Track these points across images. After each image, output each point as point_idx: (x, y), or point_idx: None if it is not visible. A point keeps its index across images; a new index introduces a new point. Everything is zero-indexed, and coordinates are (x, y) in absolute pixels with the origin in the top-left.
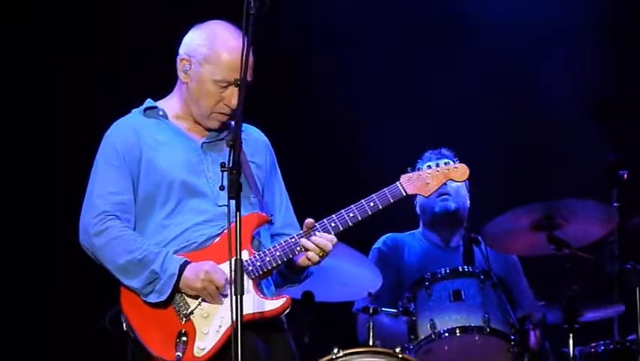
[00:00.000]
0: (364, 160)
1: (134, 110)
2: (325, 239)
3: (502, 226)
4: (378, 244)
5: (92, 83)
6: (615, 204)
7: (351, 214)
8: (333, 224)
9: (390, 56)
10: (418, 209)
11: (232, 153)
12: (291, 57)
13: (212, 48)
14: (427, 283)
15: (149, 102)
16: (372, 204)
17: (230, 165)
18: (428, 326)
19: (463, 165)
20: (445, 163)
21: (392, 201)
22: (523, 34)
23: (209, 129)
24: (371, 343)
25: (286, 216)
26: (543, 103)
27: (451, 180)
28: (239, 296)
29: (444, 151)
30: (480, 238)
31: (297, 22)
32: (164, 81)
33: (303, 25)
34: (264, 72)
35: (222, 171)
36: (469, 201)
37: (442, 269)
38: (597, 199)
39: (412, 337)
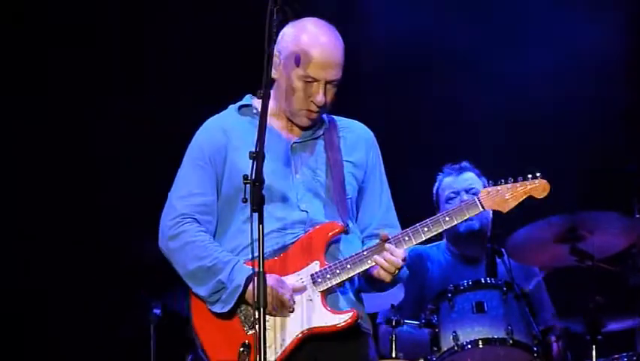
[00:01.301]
0: None
1: (230, 106)
2: (395, 256)
3: (524, 238)
4: None
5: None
6: (638, 216)
7: (426, 228)
8: (407, 238)
9: None
10: None
11: (254, 165)
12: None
13: (299, 44)
14: (449, 295)
15: (246, 99)
16: (447, 218)
17: (253, 177)
18: (451, 337)
19: (544, 180)
20: (525, 178)
21: (468, 216)
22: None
23: (300, 127)
24: (394, 355)
25: (384, 218)
26: (565, 115)
27: (531, 196)
28: (261, 310)
29: (464, 164)
30: (503, 250)
31: None
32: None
33: None
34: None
35: (245, 184)
36: (491, 214)
37: (465, 281)
38: (619, 211)
39: (435, 349)
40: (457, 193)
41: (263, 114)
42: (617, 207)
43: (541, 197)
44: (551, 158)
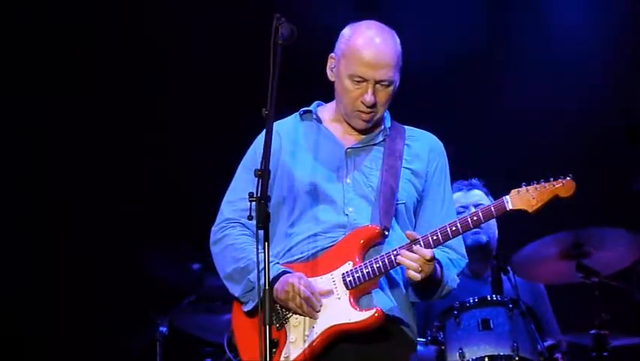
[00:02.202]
0: None
1: (296, 113)
2: (420, 254)
3: (530, 254)
4: None
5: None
6: None
7: (454, 228)
8: (434, 237)
9: None
10: None
11: (260, 183)
12: None
13: (349, 43)
14: (455, 312)
15: (312, 106)
16: (475, 218)
17: (259, 194)
18: (457, 355)
19: (570, 180)
20: (548, 180)
21: (495, 216)
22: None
23: (358, 130)
24: None
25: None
26: (571, 130)
27: (557, 195)
28: (266, 327)
29: (474, 181)
30: (508, 267)
31: None
32: None
33: None
34: None
35: (250, 201)
36: (497, 231)
37: (471, 298)
38: (625, 227)
39: None
40: (466, 208)
41: (268, 132)
42: (623, 224)
43: (568, 195)
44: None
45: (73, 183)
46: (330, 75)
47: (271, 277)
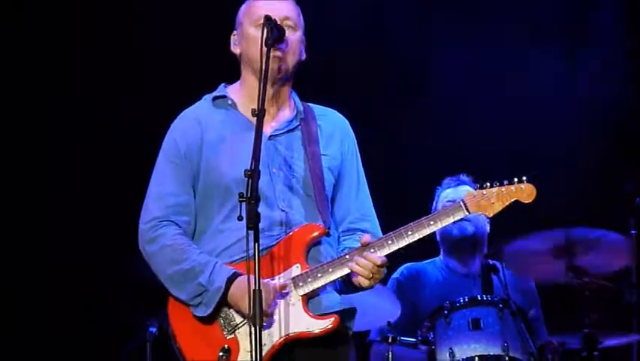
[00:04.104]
0: None
1: (205, 97)
2: (371, 261)
3: (522, 247)
4: (396, 274)
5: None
6: (633, 232)
7: (410, 232)
8: (389, 242)
9: None
10: (438, 237)
11: (250, 183)
12: None
13: (244, 9)
14: (445, 312)
15: (220, 90)
16: (431, 222)
17: (249, 194)
18: (447, 354)
19: (530, 185)
20: (512, 183)
21: (453, 219)
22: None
23: (274, 115)
24: None
25: (360, 210)
26: (563, 134)
27: (518, 200)
28: (257, 328)
29: (462, 177)
30: (499, 265)
31: None
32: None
33: None
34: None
35: (240, 202)
36: (488, 227)
37: (461, 298)
38: (616, 228)
39: None
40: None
41: (258, 130)
42: (614, 225)
43: (528, 202)
44: (550, 175)
45: (68, 185)
46: (234, 48)
47: (225, 278)
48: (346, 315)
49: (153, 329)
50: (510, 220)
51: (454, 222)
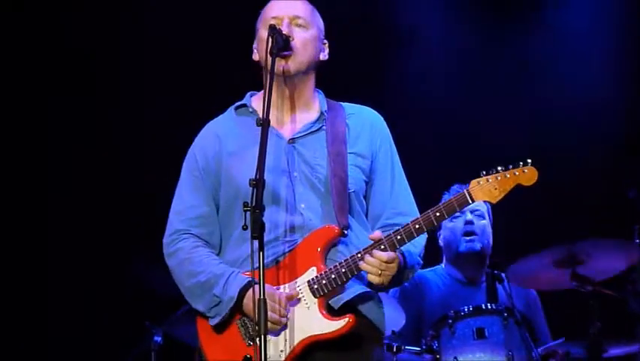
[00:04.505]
0: None
1: (230, 108)
2: (378, 258)
3: (525, 264)
4: None
5: None
6: (637, 241)
7: (417, 226)
8: (399, 237)
9: None
10: (441, 243)
11: (254, 193)
12: None
13: (262, 11)
14: (450, 321)
15: (245, 99)
16: (438, 214)
17: (253, 203)
18: None
19: (532, 167)
20: (515, 166)
21: (458, 210)
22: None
23: (297, 119)
24: None
25: (397, 205)
26: (564, 140)
27: (520, 184)
28: (262, 337)
29: None
30: (503, 275)
31: None
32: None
33: None
34: None
35: (245, 211)
36: (492, 238)
37: (466, 307)
38: (619, 236)
39: None
40: (462, 212)
41: (262, 139)
42: (617, 233)
43: (530, 184)
44: (553, 183)
45: (68, 185)
46: (255, 55)
47: (238, 288)
48: (370, 309)
49: (158, 338)
50: (512, 230)
51: (462, 237)
